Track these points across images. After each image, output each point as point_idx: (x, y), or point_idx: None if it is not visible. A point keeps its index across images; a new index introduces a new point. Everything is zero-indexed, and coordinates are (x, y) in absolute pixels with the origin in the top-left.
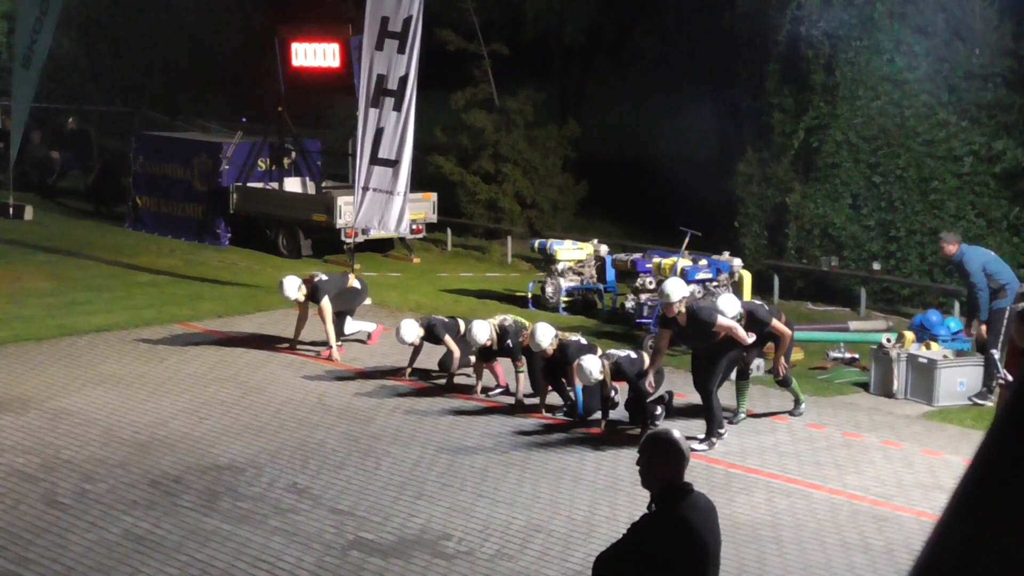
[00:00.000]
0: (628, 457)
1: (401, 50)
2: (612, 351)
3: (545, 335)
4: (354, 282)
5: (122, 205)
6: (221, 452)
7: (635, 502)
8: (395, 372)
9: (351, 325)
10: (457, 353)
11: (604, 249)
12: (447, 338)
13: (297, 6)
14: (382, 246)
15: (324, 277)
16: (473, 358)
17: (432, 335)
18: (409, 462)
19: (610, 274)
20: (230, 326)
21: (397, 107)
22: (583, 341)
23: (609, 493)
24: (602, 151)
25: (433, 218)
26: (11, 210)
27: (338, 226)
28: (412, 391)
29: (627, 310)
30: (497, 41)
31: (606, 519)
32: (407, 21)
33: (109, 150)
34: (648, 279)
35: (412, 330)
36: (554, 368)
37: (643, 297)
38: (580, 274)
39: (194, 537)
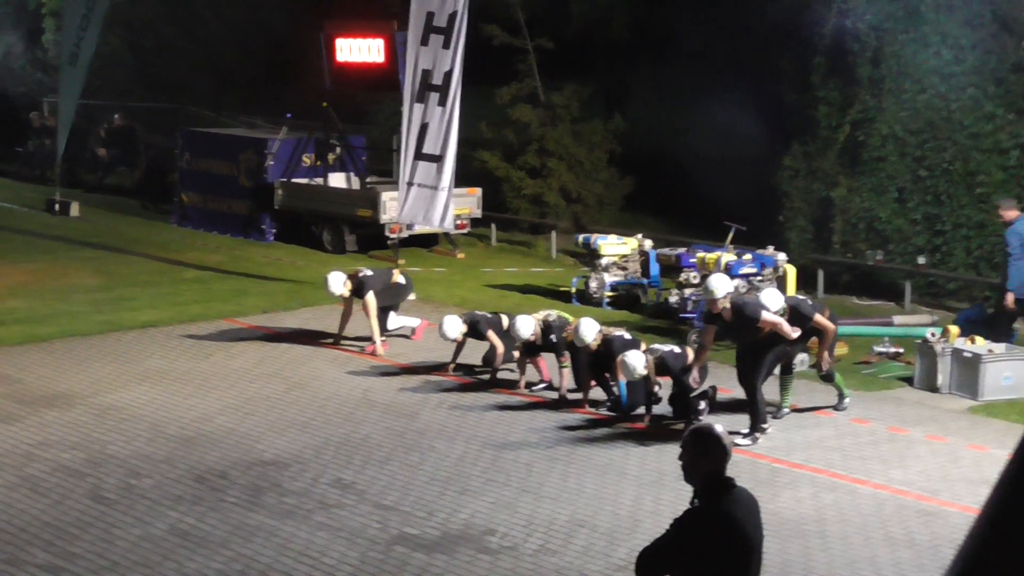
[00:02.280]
0: (672, 452)
1: (446, 45)
2: (656, 346)
3: (589, 330)
4: (399, 277)
5: (168, 202)
6: (266, 447)
7: (679, 497)
8: (439, 367)
9: (395, 320)
10: (500, 348)
11: (648, 244)
12: (490, 333)
13: (342, 2)
14: (427, 241)
15: (369, 273)
16: (517, 353)
17: (475, 331)
18: (454, 457)
19: (654, 269)
20: (275, 322)
21: (442, 102)
22: (627, 336)
23: (654, 488)
24: (647, 146)
25: (478, 213)
26: (57, 206)
27: (383, 221)
28: (456, 386)
29: (671, 305)
30: (542, 36)
31: (650, 514)
32: (452, 16)
33: (155, 147)
34: (692, 274)
35: (455, 326)
36: (598, 363)
37: (687, 292)
38: (624, 269)
39: (239, 532)
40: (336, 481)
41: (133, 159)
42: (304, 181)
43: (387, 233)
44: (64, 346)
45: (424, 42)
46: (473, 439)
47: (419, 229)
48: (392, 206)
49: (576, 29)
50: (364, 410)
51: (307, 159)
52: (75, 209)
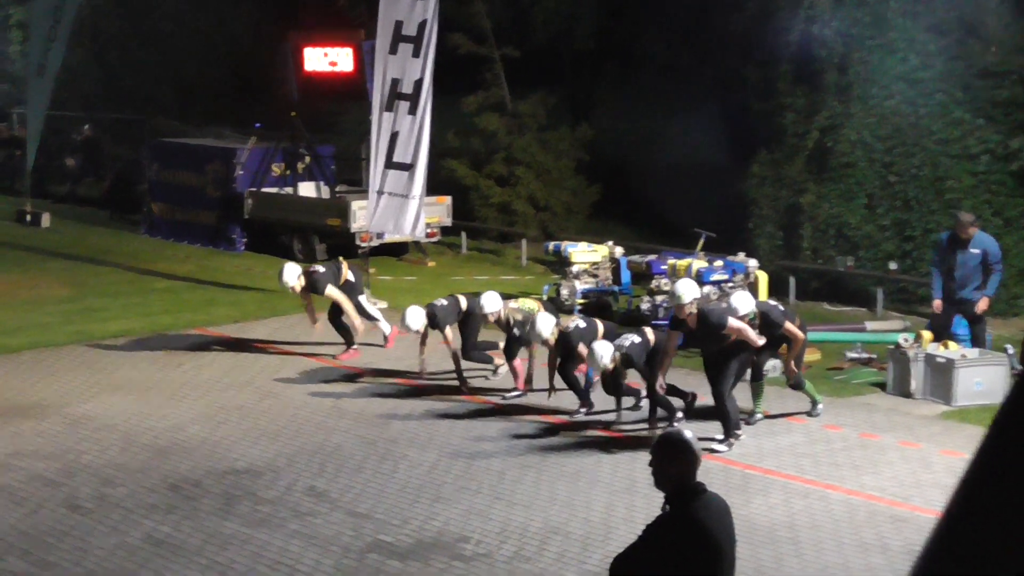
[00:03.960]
0: (645, 459)
1: (416, 54)
2: (619, 341)
3: (545, 326)
4: (348, 274)
5: (137, 212)
6: (239, 456)
7: (652, 504)
8: (410, 375)
9: (371, 308)
10: (456, 346)
11: (619, 251)
12: (448, 331)
13: (309, 11)
14: (397, 250)
15: (321, 269)
16: (499, 357)
17: (435, 323)
18: (426, 465)
19: (625, 276)
20: (246, 331)
21: (412, 111)
22: (581, 324)
23: (626, 495)
24: (615, 153)
25: (448, 222)
26: (28, 217)
27: (353, 230)
28: (428, 394)
29: (642, 312)
30: (508, 45)
31: (623, 521)
32: (422, 25)
33: (123, 158)
34: (663, 280)
35: (418, 317)
36: (562, 357)
37: (658, 299)
38: (595, 276)
39: (213, 541)
40: (309, 489)
41: (100, 170)
42: (273, 191)
43: (357, 242)
44: (35, 357)
45: (393, 51)
46: (445, 447)
47: (389, 238)
48: (362, 215)
49: (541, 38)
50: (336, 418)
51: (276, 169)
52: (46, 220)
